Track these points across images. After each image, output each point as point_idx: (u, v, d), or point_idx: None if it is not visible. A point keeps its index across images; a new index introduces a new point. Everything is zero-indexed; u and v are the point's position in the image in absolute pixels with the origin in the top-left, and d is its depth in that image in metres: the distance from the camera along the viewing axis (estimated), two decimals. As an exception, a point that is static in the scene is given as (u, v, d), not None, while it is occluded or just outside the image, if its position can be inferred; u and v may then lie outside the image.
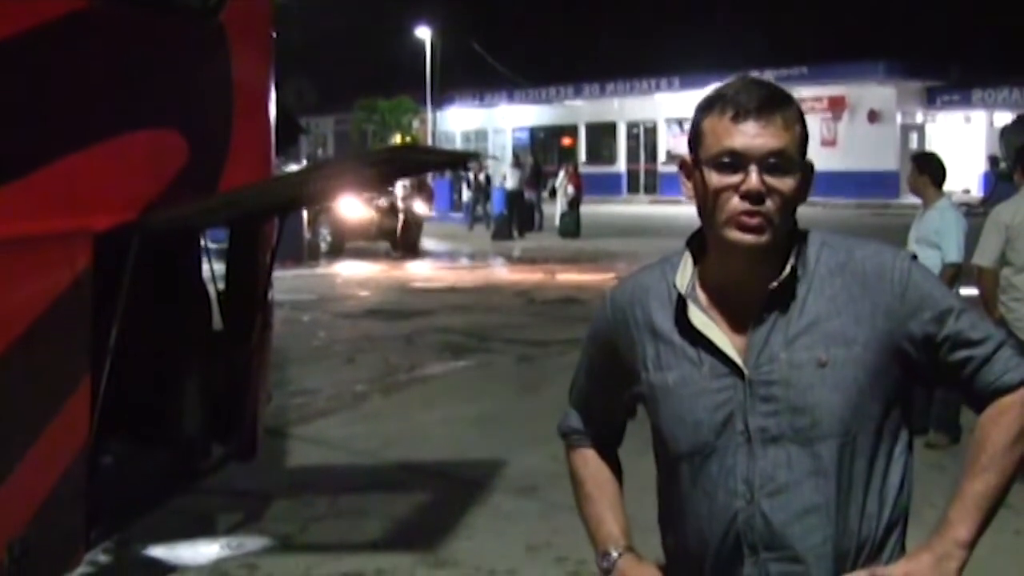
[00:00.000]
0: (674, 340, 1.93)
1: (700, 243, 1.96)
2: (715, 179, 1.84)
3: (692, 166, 1.90)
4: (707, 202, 1.86)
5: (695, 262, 1.96)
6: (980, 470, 1.88)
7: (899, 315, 1.87)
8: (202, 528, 5.67)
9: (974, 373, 1.90)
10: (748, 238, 1.83)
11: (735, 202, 1.82)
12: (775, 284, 1.86)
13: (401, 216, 21.39)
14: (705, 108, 1.88)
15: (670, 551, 2.04)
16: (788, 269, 1.87)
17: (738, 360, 1.87)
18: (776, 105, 1.84)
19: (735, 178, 1.82)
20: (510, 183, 26.51)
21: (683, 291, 1.92)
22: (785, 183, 1.83)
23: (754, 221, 1.82)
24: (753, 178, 1.81)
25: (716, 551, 1.90)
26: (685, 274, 1.94)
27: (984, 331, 1.91)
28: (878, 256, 1.91)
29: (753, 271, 1.87)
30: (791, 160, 1.84)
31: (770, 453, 1.85)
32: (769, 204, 1.82)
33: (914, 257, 1.95)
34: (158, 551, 5.35)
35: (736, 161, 1.82)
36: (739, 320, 1.90)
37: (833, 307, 1.87)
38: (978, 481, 1.88)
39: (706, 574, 1.93)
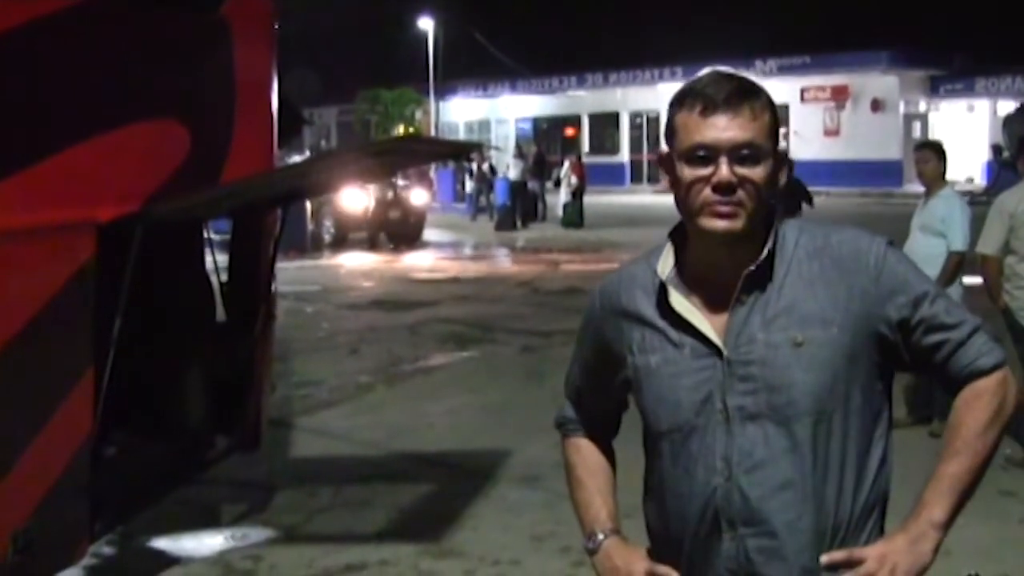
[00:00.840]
0: (657, 324, 1.99)
1: (683, 233, 2.01)
2: (688, 172, 1.90)
3: (668, 159, 1.95)
4: (682, 193, 1.92)
5: (677, 251, 2.01)
6: (954, 453, 1.92)
7: (874, 298, 1.91)
8: (206, 519, 5.69)
9: (948, 357, 1.94)
10: (722, 224, 1.88)
11: (707, 192, 1.88)
12: (753, 267, 1.90)
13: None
14: (677, 103, 1.93)
15: (653, 531, 2.08)
16: (766, 252, 1.91)
17: (717, 341, 1.92)
18: (744, 96, 1.89)
19: (707, 170, 1.88)
20: (513, 173, 26.48)
21: (664, 277, 1.98)
22: (756, 172, 1.88)
23: (727, 208, 1.87)
24: (724, 170, 1.86)
25: (695, 528, 1.94)
26: (667, 262, 2.00)
27: (959, 316, 1.95)
28: (855, 241, 1.96)
29: (732, 256, 1.92)
30: (761, 149, 1.88)
31: (748, 430, 1.89)
32: (741, 193, 1.87)
33: (891, 243, 1.98)
34: (162, 542, 5.36)
35: (707, 154, 1.88)
36: (719, 303, 1.95)
37: (810, 290, 1.91)
38: (952, 463, 1.92)
39: (686, 551, 1.97)
